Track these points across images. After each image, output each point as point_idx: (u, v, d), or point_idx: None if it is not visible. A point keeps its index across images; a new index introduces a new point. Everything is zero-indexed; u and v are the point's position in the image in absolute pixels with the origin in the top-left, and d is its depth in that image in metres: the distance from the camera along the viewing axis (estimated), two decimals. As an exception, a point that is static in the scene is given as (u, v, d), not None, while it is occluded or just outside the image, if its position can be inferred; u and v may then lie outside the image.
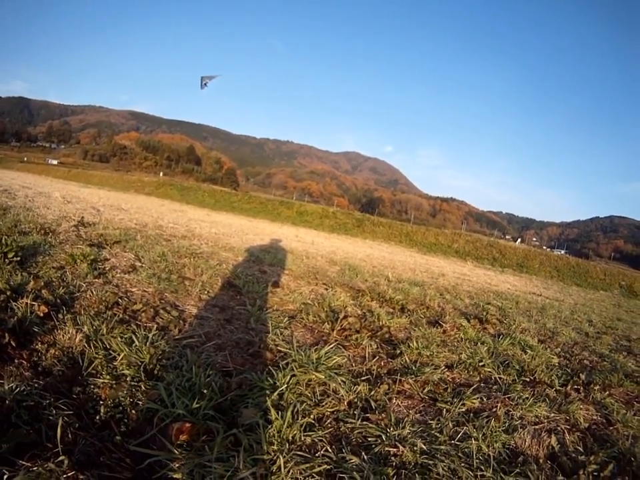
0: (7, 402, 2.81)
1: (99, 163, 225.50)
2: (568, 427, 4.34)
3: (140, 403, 3.18)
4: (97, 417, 2.98)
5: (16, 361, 3.47)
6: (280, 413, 3.24)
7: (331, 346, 4.82)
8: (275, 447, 2.91)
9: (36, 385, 3.12)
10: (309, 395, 3.78)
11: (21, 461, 2.39)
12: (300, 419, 3.31)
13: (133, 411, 3.07)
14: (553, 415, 4.54)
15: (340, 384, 4.05)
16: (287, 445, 2.99)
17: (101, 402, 3.13)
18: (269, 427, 3.08)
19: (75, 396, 3.17)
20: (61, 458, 2.44)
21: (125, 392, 3.26)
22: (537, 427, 4.17)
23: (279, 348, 4.81)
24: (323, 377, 4.05)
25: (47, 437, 2.66)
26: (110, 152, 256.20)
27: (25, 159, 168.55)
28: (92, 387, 3.33)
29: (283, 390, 3.63)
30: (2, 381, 3.03)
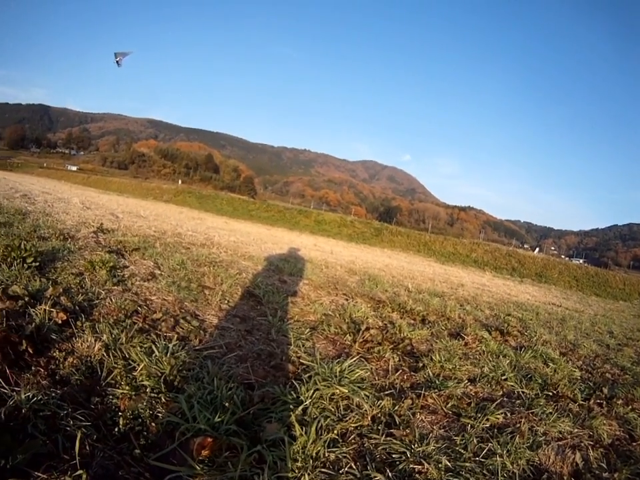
0: (24, 411, 2.78)
1: (117, 170, 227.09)
2: (591, 442, 4.28)
3: (160, 415, 3.13)
4: (116, 429, 2.93)
5: (33, 368, 3.43)
6: (304, 428, 3.18)
7: (354, 359, 4.76)
8: (299, 464, 2.85)
9: (53, 394, 3.07)
10: (333, 409, 3.72)
11: (36, 473, 2.35)
12: (324, 434, 3.25)
13: (153, 424, 3.02)
14: (576, 430, 4.47)
15: (363, 398, 3.99)
16: (311, 461, 2.93)
17: (120, 413, 3.08)
18: (294, 443, 3.01)
19: (93, 406, 3.13)
20: (79, 472, 2.38)
21: (145, 404, 3.21)
22: (560, 442, 4.11)
23: (301, 360, 4.75)
24: (347, 391, 3.99)
25: (64, 448, 2.61)
26: (129, 159, 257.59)
27: (45, 164, 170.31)
28: (111, 397, 3.28)
29: (306, 405, 3.58)
30: (19, 389, 3.00)
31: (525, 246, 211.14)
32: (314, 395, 3.75)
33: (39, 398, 2.93)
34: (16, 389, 3.02)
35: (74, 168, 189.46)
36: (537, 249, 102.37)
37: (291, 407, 3.49)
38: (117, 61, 19.35)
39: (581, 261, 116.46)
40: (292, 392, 3.73)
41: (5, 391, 2.98)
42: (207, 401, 3.29)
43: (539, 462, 3.64)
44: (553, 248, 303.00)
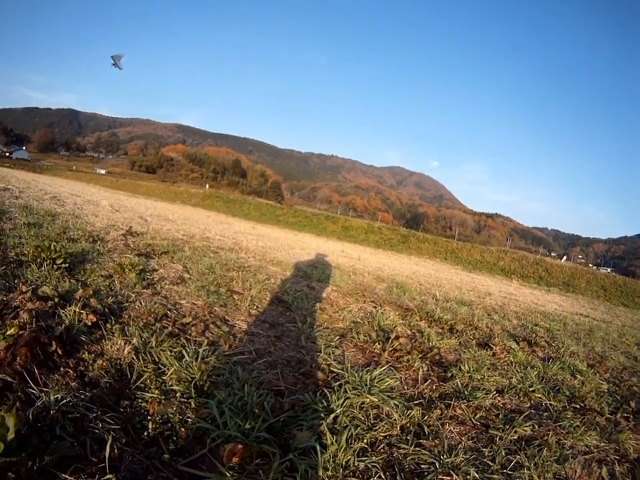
0: (52, 412, 2.78)
1: (145, 174, 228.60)
2: (617, 457, 4.24)
3: (190, 420, 3.13)
4: (145, 433, 2.93)
5: (62, 369, 3.44)
6: (335, 437, 3.17)
7: (383, 368, 4.76)
8: (330, 473, 2.85)
9: (82, 396, 3.07)
10: (362, 418, 3.71)
11: (64, 475, 2.35)
12: (354, 443, 3.24)
13: (182, 429, 3.02)
14: (602, 444, 4.44)
15: (393, 408, 3.97)
16: (342, 470, 2.92)
17: (149, 417, 3.08)
18: (324, 451, 3.00)
19: (122, 410, 3.13)
20: (108, 476, 2.38)
21: (175, 408, 3.21)
22: (587, 456, 4.09)
23: (331, 368, 4.74)
24: (376, 400, 3.98)
25: (92, 450, 2.61)
26: (157, 163, 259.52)
27: (74, 167, 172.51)
28: (140, 401, 3.29)
29: (337, 413, 3.57)
30: (47, 390, 3.02)
31: (553, 254, 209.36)
32: (344, 404, 3.75)
33: (67, 400, 2.93)
34: (44, 389, 3.03)
35: (103, 171, 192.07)
36: (565, 257, 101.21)
37: (322, 415, 3.49)
38: (115, 64, 19.44)
39: (609, 269, 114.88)
40: (322, 400, 3.73)
41: (34, 391, 2.99)
42: (238, 407, 3.28)
43: (565, 476, 3.63)
44: (580, 256, 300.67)
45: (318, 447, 2.93)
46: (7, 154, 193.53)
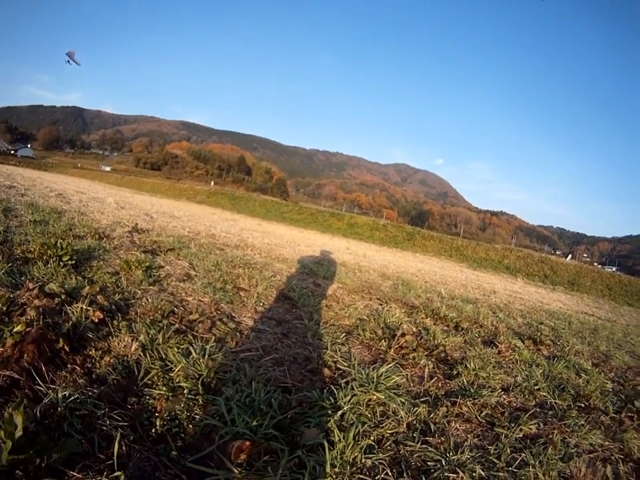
0: (60, 409, 2.79)
1: (150, 171, 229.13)
2: (622, 456, 4.22)
3: (197, 417, 3.14)
4: (153, 430, 2.93)
5: (69, 366, 3.45)
6: (342, 434, 3.17)
7: (390, 365, 4.75)
8: (337, 470, 2.86)
9: (89, 393, 3.08)
10: (369, 415, 3.71)
11: (71, 472, 2.36)
12: (361, 440, 3.23)
13: (190, 426, 3.03)
14: (607, 443, 4.44)
15: (399, 405, 3.97)
16: (349, 467, 2.93)
17: (157, 414, 3.09)
18: (332, 448, 3.00)
19: (129, 407, 3.14)
20: (117, 473, 2.38)
21: (182, 405, 3.21)
22: (591, 455, 4.08)
23: (337, 365, 4.75)
24: (383, 397, 3.98)
25: (100, 447, 2.61)
26: (162, 160, 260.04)
27: (79, 164, 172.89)
28: (147, 398, 3.29)
29: (344, 410, 3.57)
30: (55, 387, 3.02)
31: (557, 252, 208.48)
32: (351, 401, 3.75)
33: (75, 397, 2.94)
34: (52, 386, 3.03)
35: (107, 168, 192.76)
36: (570, 256, 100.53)
37: (329, 412, 3.49)
38: (70, 60, 19.60)
39: (614, 268, 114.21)
40: (330, 397, 3.74)
41: (41, 388, 3.00)
42: (245, 404, 3.28)
43: (570, 474, 3.63)
44: (585, 255, 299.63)
45: (326, 444, 2.94)
46: (12, 152, 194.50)
